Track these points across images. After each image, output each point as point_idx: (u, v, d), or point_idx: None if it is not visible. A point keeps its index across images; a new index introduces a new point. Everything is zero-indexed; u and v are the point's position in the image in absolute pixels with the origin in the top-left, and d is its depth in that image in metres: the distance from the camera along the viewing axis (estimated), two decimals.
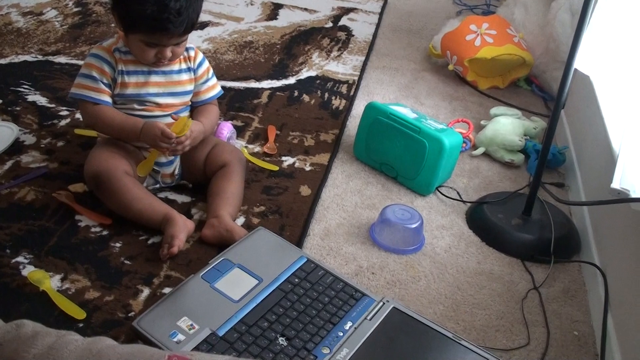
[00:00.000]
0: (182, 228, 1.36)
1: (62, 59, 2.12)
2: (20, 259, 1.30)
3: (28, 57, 2.10)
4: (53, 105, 1.85)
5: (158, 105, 1.49)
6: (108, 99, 1.46)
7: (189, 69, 1.54)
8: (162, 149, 1.44)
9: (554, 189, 1.78)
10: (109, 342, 0.84)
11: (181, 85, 1.52)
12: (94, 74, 1.44)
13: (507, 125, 1.92)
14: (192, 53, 1.54)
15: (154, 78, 1.48)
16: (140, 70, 1.47)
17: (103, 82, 1.44)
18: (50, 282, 1.25)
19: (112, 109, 1.46)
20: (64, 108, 1.84)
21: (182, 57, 1.52)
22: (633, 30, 1.54)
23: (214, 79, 1.60)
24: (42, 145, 1.66)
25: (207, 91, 1.59)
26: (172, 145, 1.42)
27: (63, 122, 1.77)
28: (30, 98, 1.87)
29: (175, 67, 1.51)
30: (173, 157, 1.53)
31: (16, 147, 1.64)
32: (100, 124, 1.47)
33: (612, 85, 1.67)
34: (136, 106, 1.47)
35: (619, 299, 1.29)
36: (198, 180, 1.57)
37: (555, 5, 2.20)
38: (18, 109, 1.81)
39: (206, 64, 1.58)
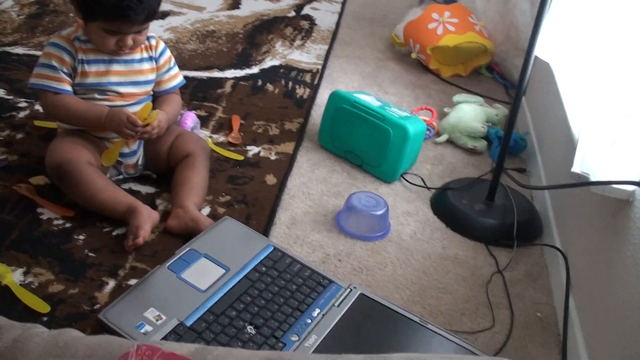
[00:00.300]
0: (147, 218, 1.35)
1: (19, 50, 2.07)
2: None
3: None
4: (11, 97, 1.81)
5: (119, 94, 1.46)
6: (69, 88, 1.43)
7: (150, 58, 1.51)
8: (127, 136, 1.42)
9: (516, 174, 1.81)
10: (76, 333, 0.83)
11: (143, 75, 1.50)
12: (54, 63, 1.41)
13: (470, 112, 1.94)
14: (153, 42, 1.52)
15: (115, 67, 1.46)
16: (101, 59, 1.44)
17: (63, 72, 1.42)
18: (13, 276, 1.23)
19: (74, 97, 1.44)
20: (23, 100, 1.80)
21: (143, 45, 1.49)
22: (591, 18, 1.57)
23: (176, 69, 1.59)
24: (0, 138, 1.62)
25: (169, 80, 1.57)
26: (138, 133, 1.41)
27: (22, 114, 1.74)
28: None
29: (137, 56, 1.49)
30: (136, 148, 1.51)
31: None
32: (63, 112, 1.44)
33: (571, 72, 1.70)
34: (97, 96, 1.45)
35: (580, 281, 1.32)
36: (162, 170, 1.56)
37: None
38: None
39: (168, 53, 1.55)
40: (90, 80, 1.44)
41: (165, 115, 1.48)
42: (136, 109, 1.47)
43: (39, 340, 0.81)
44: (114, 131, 1.43)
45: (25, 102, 1.79)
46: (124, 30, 1.38)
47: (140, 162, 1.53)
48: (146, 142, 1.52)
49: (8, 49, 2.07)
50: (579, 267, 1.35)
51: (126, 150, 1.50)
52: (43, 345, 0.81)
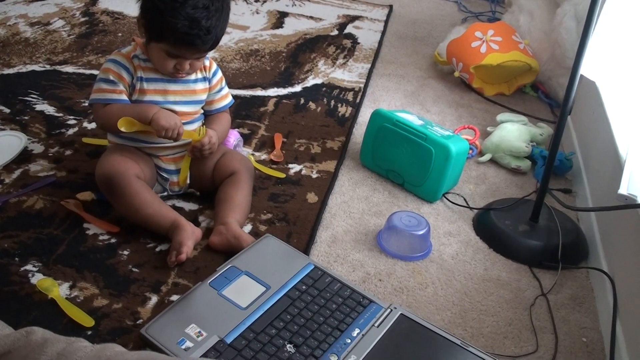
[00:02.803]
0: (190, 235, 1.36)
1: (69, 69, 2.13)
2: (29, 267, 1.31)
3: (36, 67, 2.12)
4: (61, 115, 1.86)
5: (175, 113, 1.49)
6: (125, 98, 1.46)
7: (204, 79, 1.55)
8: (163, 136, 1.42)
9: (561, 195, 1.77)
10: (118, 348, 0.84)
11: (196, 95, 1.54)
12: (111, 77, 1.45)
13: (514, 132, 1.92)
14: (206, 62, 1.55)
15: (173, 86, 1.49)
16: (160, 78, 1.48)
17: (122, 86, 1.46)
18: (59, 290, 1.25)
19: (125, 104, 1.47)
20: (72, 117, 1.85)
21: (200, 66, 1.53)
22: (638, 36, 1.54)
23: (227, 89, 1.62)
24: (50, 154, 1.67)
25: (220, 100, 1.60)
26: (174, 140, 1.45)
27: (71, 131, 1.78)
28: (38, 107, 1.88)
29: (192, 76, 1.52)
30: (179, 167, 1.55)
31: (24, 156, 1.65)
32: (115, 113, 1.43)
33: (618, 91, 1.67)
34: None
35: (627, 305, 1.29)
36: (206, 188, 1.57)
37: (561, 12, 2.20)
38: (26, 118, 1.82)
39: (220, 73, 1.59)
40: (148, 97, 1.47)
41: (216, 133, 1.52)
42: (189, 127, 1.50)
43: (82, 354, 0.82)
44: (158, 129, 1.41)
45: (75, 119, 1.84)
46: (186, 56, 1.42)
47: (187, 178, 1.56)
48: (193, 160, 1.54)
49: (58, 67, 2.13)
50: (627, 292, 1.31)
51: (172, 167, 1.52)
52: (86, 359, 0.82)
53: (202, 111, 1.58)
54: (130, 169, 1.43)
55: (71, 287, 1.28)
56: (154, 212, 1.41)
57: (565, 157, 1.86)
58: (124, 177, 1.40)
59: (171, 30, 1.36)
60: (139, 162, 1.47)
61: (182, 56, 1.42)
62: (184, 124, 1.49)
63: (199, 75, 1.53)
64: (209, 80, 1.56)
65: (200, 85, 1.54)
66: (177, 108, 1.50)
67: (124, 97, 1.46)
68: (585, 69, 1.47)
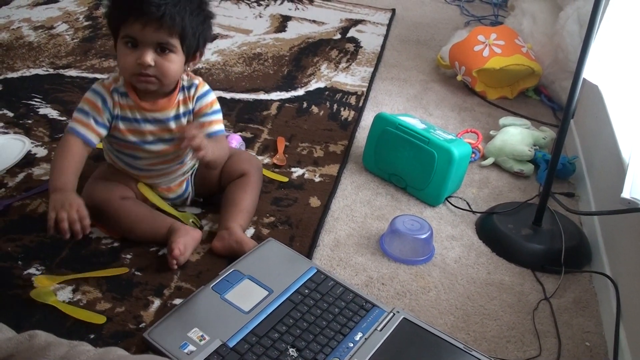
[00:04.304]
0: (183, 234, 1.36)
1: (72, 72, 2.14)
2: (32, 270, 1.31)
3: (39, 71, 2.12)
4: (64, 118, 1.86)
5: (150, 151, 1.43)
6: (93, 138, 1.37)
7: (184, 114, 1.43)
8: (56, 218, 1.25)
9: (564, 198, 1.77)
10: (121, 352, 0.84)
11: (174, 133, 1.43)
12: (86, 108, 1.37)
13: (516, 136, 1.92)
14: (192, 91, 1.43)
15: (147, 127, 1.40)
16: (134, 118, 1.39)
17: (95, 119, 1.37)
18: (56, 296, 1.26)
19: (78, 150, 1.35)
20: None
21: (181, 98, 1.42)
22: None
23: (218, 116, 1.45)
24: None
25: (208, 125, 1.43)
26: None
27: None
28: (42, 111, 1.89)
29: (172, 112, 1.41)
30: (183, 191, 1.52)
31: (28, 160, 1.65)
32: (57, 152, 1.36)
33: (621, 95, 1.67)
34: (129, 151, 1.44)
35: (631, 309, 1.28)
36: (213, 192, 1.57)
37: (564, 16, 2.20)
38: (30, 122, 1.83)
39: (211, 98, 1.45)
40: (122, 136, 1.41)
41: (214, 146, 1.36)
42: (171, 169, 1.47)
43: (85, 358, 0.82)
44: (53, 205, 1.26)
45: None
46: (143, 37, 1.28)
47: (189, 197, 1.55)
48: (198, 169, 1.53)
49: (62, 71, 2.14)
50: (630, 296, 1.31)
51: (172, 195, 1.51)
52: None
53: (187, 152, 1.48)
54: (114, 192, 1.41)
55: (74, 291, 1.28)
56: (148, 226, 1.40)
57: (568, 160, 1.86)
58: (109, 204, 1.39)
59: (121, 3, 1.30)
60: (124, 181, 1.45)
61: (139, 39, 1.28)
62: (162, 168, 1.45)
63: (181, 110, 1.42)
64: (192, 111, 1.43)
65: (179, 123, 1.42)
66: (152, 147, 1.42)
67: (91, 136, 1.36)
68: (588, 73, 1.47)
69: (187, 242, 1.37)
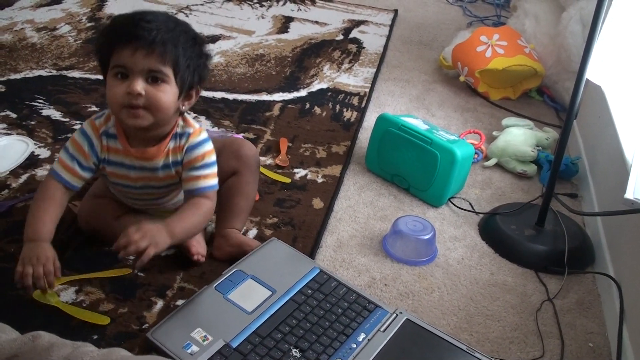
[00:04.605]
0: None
1: (75, 74, 2.14)
2: None
3: (42, 72, 2.13)
4: (67, 119, 1.86)
5: (139, 193, 1.38)
6: (75, 182, 1.29)
7: (174, 164, 1.32)
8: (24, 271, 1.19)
9: (567, 199, 1.77)
10: (124, 353, 0.85)
11: (162, 180, 1.35)
12: (71, 150, 1.30)
13: (519, 136, 1.92)
14: (182, 141, 1.31)
15: (134, 173, 1.32)
16: (121, 162, 1.31)
17: (80, 163, 1.29)
18: (59, 296, 1.26)
19: (59, 193, 1.28)
20: (78, 122, 1.85)
21: (171, 146, 1.31)
22: None
23: (209, 170, 1.32)
24: (56, 159, 1.66)
25: (194, 180, 1.31)
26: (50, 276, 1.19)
27: None
28: (45, 112, 1.89)
29: (160, 162, 1.31)
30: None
31: (31, 161, 1.66)
32: (36, 195, 1.29)
33: (624, 96, 1.67)
34: (118, 187, 1.38)
35: (634, 310, 1.28)
36: None
37: (566, 16, 2.20)
38: (33, 123, 1.83)
39: (202, 149, 1.31)
40: (109, 177, 1.35)
41: (164, 234, 1.21)
42: (161, 198, 1.41)
43: (88, 359, 0.83)
44: (23, 257, 1.21)
45: (80, 124, 1.84)
46: (133, 64, 1.18)
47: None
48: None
49: (65, 72, 2.14)
50: (633, 296, 1.31)
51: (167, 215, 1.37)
52: None
53: (178, 194, 1.43)
54: (108, 212, 1.38)
55: (77, 292, 1.28)
56: None
57: (571, 161, 1.86)
58: (105, 226, 1.38)
59: (111, 30, 1.23)
60: (115, 199, 1.42)
61: (129, 66, 1.19)
62: (154, 203, 1.40)
63: (170, 159, 1.31)
64: (181, 162, 1.31)
65: (167, 172, 1.33)
66: (142, 191, 1.36)
67: (72, 180, 1.29)
68: (591, 73, 1.47)
69: (198, 240, 1.38)
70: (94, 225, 1.39)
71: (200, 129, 1.33)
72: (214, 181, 1.32)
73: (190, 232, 1.29)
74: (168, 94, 1.22)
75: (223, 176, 1.42)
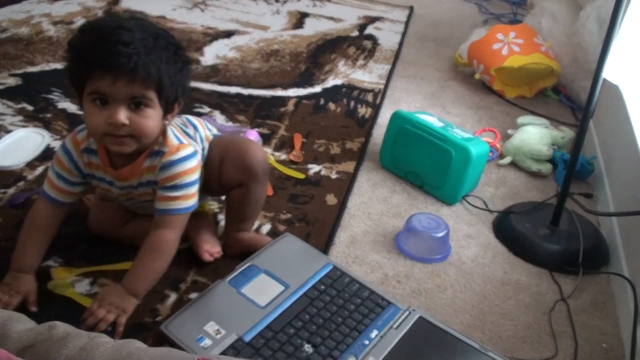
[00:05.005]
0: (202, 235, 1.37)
1: None
2: (50, 262, 1.32)
3: (58, 65, 2.14)
4: (82, 112, 1.87)
5: (131, 207, 1.35)
6: (64, 199, 1.25)
7: (150, 183, 1.24)
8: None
9: (582, 199, 1.76)
10: (139, 344, 0.85)
11: (142, 197, 1.29)
12: (57, 168, 1.24)
13: (535, 135, 1.91)
14: (157, 160, 1.21)
15: (116, 189, 1.27)
16: (103, 178, 1.25)
17: (66, 180, 1.24)
18: (74, 288, 1.27)
19: (49, 213, 1.25)
20: None
21: (146, 165, 1.22)
22: None
23: (181, 192, 1.21)
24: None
25: (164, 201, 1.21)
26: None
27: None
28: (61, 105, 1.90)
29: (135, 181, 1.24)
30: None
31: (47, 154, 1.67)
32: (25, 220, 1.25)
33: None
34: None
35: None
36: (216, 193, 1.45)
37: (584, 15, 2.18)
38: (49, 115, 1.84)
39: (177, 169, 1.20)
40: (98, 190, 1.32)
41: (113, 296, 1.16)
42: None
43: (103, 349, 0.83)
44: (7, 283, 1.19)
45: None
46: (114, 92, 1.09)
47: None
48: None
49: None
50: None
51: None
52: (108, 354, 0.83)
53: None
54: (114, 219, 1.37)
55: (92, 284, 1.29)
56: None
57: (587, 161, 1.84)
58: (112, 234, 1.38)
59: (84, 56, 1.11)
60: (120, 208, 1.39)
61: (109, 94, 1.09)
62: (148, 209, 1.28)
63: (144, 179, 1.24)
64: (156, 181, 1.23)
65: (145, 190, 1.26)
66: (129, 203, 1.32)
67: (61, 197, 1.24)
68: (608, 73, 1.46)
69: (208, 239, 1.38)
70: (102, 229, 1.39)
71: (179, 147, 1.21)
72: (186, 203, 1.22)
73: (155, 281, 1.21)
74: (153, 118, 1.14)
75: (228, 184, 1.35)
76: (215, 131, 1.41)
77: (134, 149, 1.17)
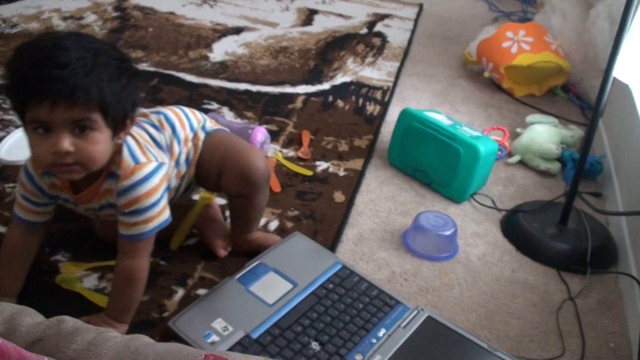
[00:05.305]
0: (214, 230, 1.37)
1: None
2: (59, 257, 1.33)
3: None
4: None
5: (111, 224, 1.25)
6: (36, 218, 1.19)
7: (110, 205, 1.17)
8: None
9: (591, 198, 1.75)
10: (147, 339, 0.85)
11: (106, 217, 1.23)
12: (22, 191, 1.17)
13: (544, 133, 1.90)
14: (113, 184, 1.13)
15: (80, 210, 1.21)
16: (68, 199, 1.19)
17: (32, 202, 1.18)
18: (81, 283, 1.27)
19: (21, 235, 1.20)
20: None
21: (105, 187, 1.14)
22: None
23: (143, 216, 1.13)
24: None
25: (127, 227, 1.14)
26: None
27: None
28: None
29: (95, 204, 1.17)
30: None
31: None
32: (3, 244, 1.21)
33: None
34: None
35: None
36: (211, 189, 1.42)
37: (594, 13, 2.17)
38: None
39: (135, 193, 1.11)
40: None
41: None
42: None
43: (112, 344, 0.83)
44: None
45: None
46: (54, 119, 0.99)
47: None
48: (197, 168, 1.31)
49: None
50: None
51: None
52: (115, 349, 0.83)
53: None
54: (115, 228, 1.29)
55: (100, 279, 1.29)
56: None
57: (596, 160, 1.84)
58: (115, 240, 1.29)
59: (19, 83, 1.01)
60: None
61: (49, 121, 1.00)
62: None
63: (104, 202, 1.16)
64: (115, 205, 1.15)
65: (108, 211, 1.19)
66: (111, 221, 1.23)
67: (32, 217, 1.18)
68: (619, 71, 1.45)
69: (221, 234, 1.39)
70: (107, 235, 1.35)
71: (134, 169, 1.12)
72: (151, 225, 1.14)
73: (135, 307, 1.18)
74: (100, 143, 1.04)
75: (228, 192, 1.34)
76: (212, 124, 1.34)
77: (87, 174, 1.08)
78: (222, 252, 1.39)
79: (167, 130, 1.24)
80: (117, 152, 1.12)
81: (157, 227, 1.15)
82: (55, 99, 0.98)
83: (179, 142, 1.25)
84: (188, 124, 1.28)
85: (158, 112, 1.26)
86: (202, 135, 1.30)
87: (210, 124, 1.34)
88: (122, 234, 1.14)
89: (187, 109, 1.31)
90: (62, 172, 1.06)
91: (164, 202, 1.16)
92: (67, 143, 1.00)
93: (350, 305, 1.25)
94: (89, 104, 1.00)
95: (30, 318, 0.86)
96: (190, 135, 1.28)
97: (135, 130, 1.17)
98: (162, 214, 1.15)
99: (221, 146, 1.30)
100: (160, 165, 1.16)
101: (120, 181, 1.11)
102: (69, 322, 0.86)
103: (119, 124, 1.08)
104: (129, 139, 1.14)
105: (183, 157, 1.26)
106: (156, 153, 1.18)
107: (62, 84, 0.97)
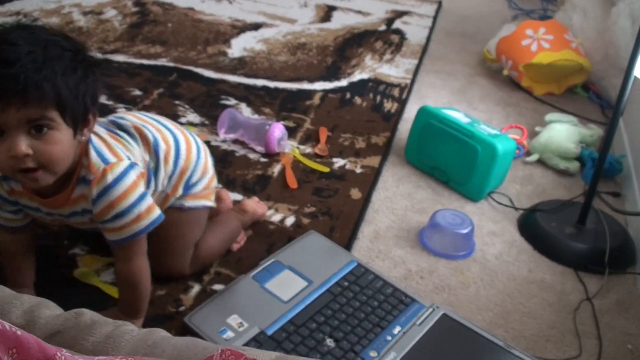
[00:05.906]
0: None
1: (120, 58, 2.17)
2: (77, 250, 1.34)
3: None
4: (111, 102, 1.89)
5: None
6: (9, 224, 1.15)
7: (84, 211, 1.10)
8: None
9: (609, 198, 1.74)
10: (164, 333, 0.86)
11: (78, 224, 1.17)
12: None
13: (562, 132, 1.88)
14: (86, 190, 1.06)
15: (50, 217, 1.14)
16: (30, 206, 1.11)
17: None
18: (99, 276, 1.28)
19: (10, 243, 1.18)
20: (122, 105, 1.88)
21: (79, 193, 1.07)
22: None
23: (128, 218, 1.07)
24: None
25: (113, 232, 1.09)
26: None
27: None
28: None
29: (67, 210, 1.10)
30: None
31: None
32: None
33: None
34: None
35: None
36: None
37: (616, 11, 2.15)
38: None
39: (114, 194, 1.05)
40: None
41: None
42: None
43: (129, 337, 0.84)
44: None
45: (124, 107, 1.87)
46: (7, 120, 0.92)
47: None
48: None
49: (110, 56, 2.17)
50: None
51: None
52: (133, 342, 0.83)
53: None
54: None
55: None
56: None
57: (616, 159, 1.82)
58: None
59: None
60: None
61: (1, 122, 0.92)
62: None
63: (78, 208, 1.09)
64: (91, 211, 1.08)
65: (80, 219, 1.12)
66: (91, 227, 1.18)
67: (6, 223, 1.14)
68: None
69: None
70: None
71: (105, 170, 1.05)
72: (141, 225, 1.09)
73: (145, 304, 1.17)
74: (60, 142, 0.97)
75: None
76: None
77: (54, 179, 1.01)
78: (235, 246, 1.40)
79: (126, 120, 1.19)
80: (84, 154, 1.05)
81: (147, 228, 1.09)
82: (6, 100, 0.91)
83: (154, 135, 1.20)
84: (149, 119, 1.24)
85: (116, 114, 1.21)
86: (179, 192, 1.26)
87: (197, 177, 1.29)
88: (110, 240, 1.10)
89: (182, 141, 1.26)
90: (27, 180, 0.98)
91: (147, 200, 1.09)
92: (24, 145, 0.93)
93: (365, 302, 1.25)
94: (43, 101, 0.93)
95: (49, 310, 0.87)
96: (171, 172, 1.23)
97: (99, 128, 1.11)
98: (150, 213, 1.09)
99: (172, 231, 1.25)
100: (131, 164, 1.08)
101: (92, 185, 1.04)
102: (87, 315, 0.87)
103: (80, 120, 1.00)
104: (95, 139, 1.07)
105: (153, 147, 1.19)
106: (125, 149, 1.11)
107: (11, 82, 0.90)
